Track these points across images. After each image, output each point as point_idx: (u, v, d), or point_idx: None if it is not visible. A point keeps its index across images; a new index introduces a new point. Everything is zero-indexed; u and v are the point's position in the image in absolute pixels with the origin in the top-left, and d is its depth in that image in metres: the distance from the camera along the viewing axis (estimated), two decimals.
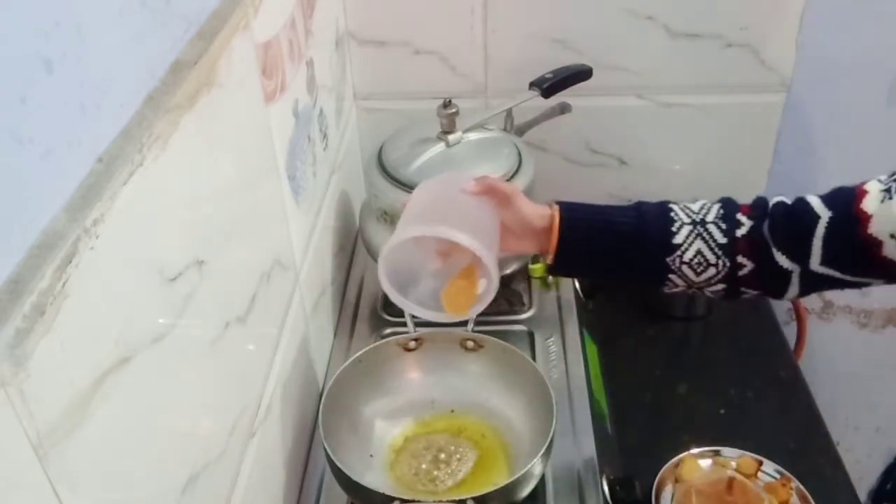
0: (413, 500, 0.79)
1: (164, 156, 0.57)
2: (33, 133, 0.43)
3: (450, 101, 1.09)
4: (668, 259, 0.80)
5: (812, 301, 1.47)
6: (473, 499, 0.78)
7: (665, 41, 1.22)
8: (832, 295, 1.47)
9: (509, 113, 1.19)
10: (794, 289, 0.79)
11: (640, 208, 0.83)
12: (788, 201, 0.80)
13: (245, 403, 0.76)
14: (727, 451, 1.05)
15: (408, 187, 1.06)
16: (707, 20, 1.20)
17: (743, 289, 0.81)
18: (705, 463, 1.04)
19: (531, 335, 1.11)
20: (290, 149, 0.91)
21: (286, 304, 0.91)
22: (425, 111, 1.13)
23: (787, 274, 0.78)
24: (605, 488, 0.90)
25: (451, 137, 1.09)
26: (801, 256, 0.77)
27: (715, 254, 0.79)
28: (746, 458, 1.04)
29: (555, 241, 0.82)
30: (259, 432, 0.79)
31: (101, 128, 0.51)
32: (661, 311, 1.31)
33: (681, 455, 1.04)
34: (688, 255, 0.79)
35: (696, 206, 0.82)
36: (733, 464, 1.03)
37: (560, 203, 0.84)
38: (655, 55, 1.23)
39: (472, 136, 1.11)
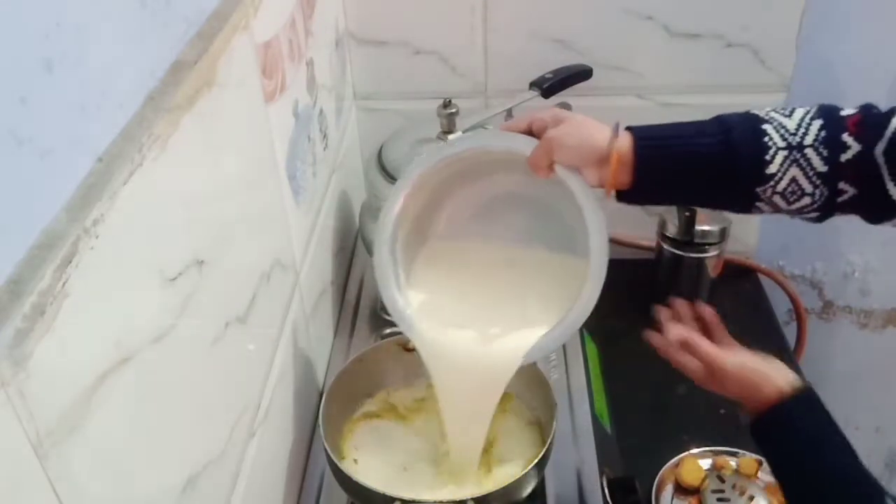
0: (413, 500, 0.79)
1: (163, 156, 0.57)
2: (33, 133, 0.43)
3: (450, 101, 1.09)
4: (758, 189, 0.71)
5: (812, 301, 1.47)
6: (473, 499, 0.78)
7: (665, 41, 1.22)
8: (832, 295, 1.47)
9: (509, 113, 1.19)
10: None
11: (727, 130, 0.72)
12: None
13: (245, 403, 0.76)
14: (727, 451, 1.05)
15: None
16: (707, 20, 1.20)
17: (838, 213, 0.72)
18: (705, 463, 1.04)
19: None
20: (290, 149, 0.91)
21: (286, 304, 0.91)
22: (425, 111, 1.13)
23: None
24: (605, 488, 0.90)
25: (451, 137, 1.09)
26: None
27: (812, 183, 0.69)
28: (746, 458, 1.04)
29: (629, 172, 0.73)
30: (259, 432, 0.79)
31: (101, 128, 0.51)
32: None
33: (681, 455, 1.04)
34: (781, 186, 0.70)
35: (791, 124, 0.70)
36: (733, 464, 1.03)
37: (631, 128, 0.75)
38: (655, 55, 1.23)
39: None
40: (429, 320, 0.82)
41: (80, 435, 0.46)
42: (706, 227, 1.21)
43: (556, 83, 1.16)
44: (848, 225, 0.74)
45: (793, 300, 1.41)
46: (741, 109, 0.76)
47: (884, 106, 0.71)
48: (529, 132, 0.78)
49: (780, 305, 1.40)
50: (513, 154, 0.78)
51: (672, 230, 1.23)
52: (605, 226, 0.76)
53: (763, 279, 1.39)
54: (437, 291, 0.85)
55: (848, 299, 1.47)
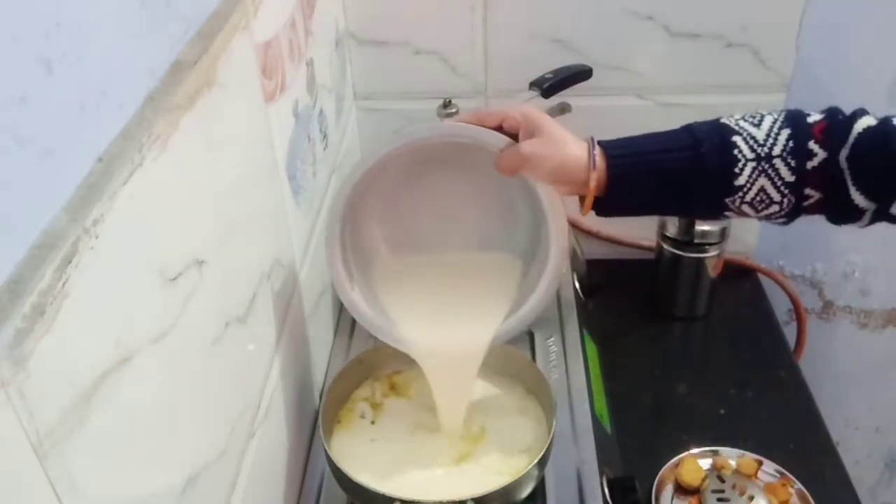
0: (413, 501, 0.79)
1: (163, 156, 0.57)
2: (33, 133, 0.43)
3: (450, 101, 1.09)
4: (727, 200, 0.73)
5: (812, 301, 1.47)
6: (473, 499, 0.78)
7: (665, 41, 1.22)
8: (832, 295, 1.47)
9: None
10: (861, 223, 0.72)
11: (696, 144, 0.74)
12: (874, 122, 0.69)
13: (245, 403, 0.76)
14: (727, 451, 1.05)
15: None
16: (707, 20, 1.20)
17: (805, 215, 0.74)
18: (705, 463, 1.04)
19: (531, 335, 1.10)
20: (290, 149, 0.91)
21: (286, 304, 0.91)
22: (425, 111, 1.13)
23: (859, 211, 0.70)
24: (605, 488, 0.90)
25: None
26: (883, 196, 0.68)
27: (780, 192, 0.72)
28: (746, 458, 1.04)
29: (601, 188, 0.75)
30: (259, 432, 0.79)
31: (101, 128, 0.51)
32: (661, 311, 1.31)
33: (681, 455, 1.04)
34: (750, 196, 0.72)
35: (761, 135, 0.72)
36: (733, 464, 1.03)
37: (602, 143, 0.76)
38: (655, 55, 1.23)
39: None
40: (404, 326, 0.90)
41: (80, 435, 0.46)
42: (706, 227, 1.21)
43: (556, 83, 1.16)
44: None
45: (793, 300, 1.41)
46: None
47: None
48: (499, 129, 0.79)
49: (780, 305, 1.40)
50: (484, 147, 0.79)
51: (672, 230, 1.23)
52: (567, 231, 0.80)
53: (763, 279, 1.39)
54: (404, 301, 0.91)
55: (848, 299, 1.47)
